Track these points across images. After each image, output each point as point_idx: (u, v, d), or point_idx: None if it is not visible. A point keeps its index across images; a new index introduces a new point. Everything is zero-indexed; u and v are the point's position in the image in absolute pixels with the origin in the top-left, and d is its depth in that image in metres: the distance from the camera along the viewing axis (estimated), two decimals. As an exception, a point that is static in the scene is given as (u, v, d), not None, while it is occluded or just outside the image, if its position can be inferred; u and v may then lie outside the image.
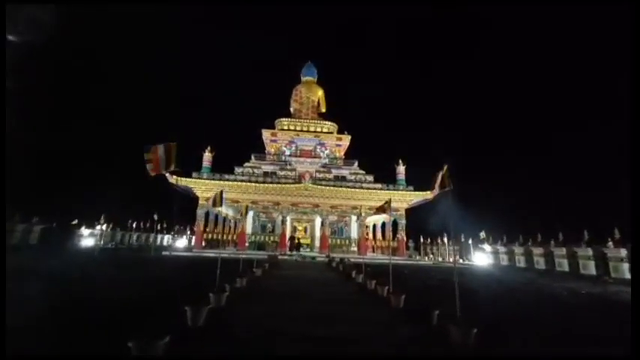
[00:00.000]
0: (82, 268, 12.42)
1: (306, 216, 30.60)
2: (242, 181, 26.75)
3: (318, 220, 29.75)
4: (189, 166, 26.96)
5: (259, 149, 34.11)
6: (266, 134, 34.00)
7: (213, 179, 26.46)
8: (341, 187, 27.54)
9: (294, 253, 23.61)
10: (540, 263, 23.53)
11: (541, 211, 41.17)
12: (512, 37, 67.87)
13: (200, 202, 26.15)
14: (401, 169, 29.15)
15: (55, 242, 23.75)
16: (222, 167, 28.39)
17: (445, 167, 5.22)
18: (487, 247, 29.98)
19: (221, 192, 8.09)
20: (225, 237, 29.32)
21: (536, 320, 6.44)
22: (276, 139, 33.90)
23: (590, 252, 19.60)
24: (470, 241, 30.94)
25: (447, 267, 22.92)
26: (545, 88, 64.01)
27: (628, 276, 16.73)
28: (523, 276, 18.03)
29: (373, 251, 30.49)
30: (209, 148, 27.52)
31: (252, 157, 32.07)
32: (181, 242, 36.69)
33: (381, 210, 9.76)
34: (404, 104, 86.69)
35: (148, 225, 32.08)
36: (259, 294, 8.17)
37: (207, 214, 27.14)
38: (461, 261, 30.61)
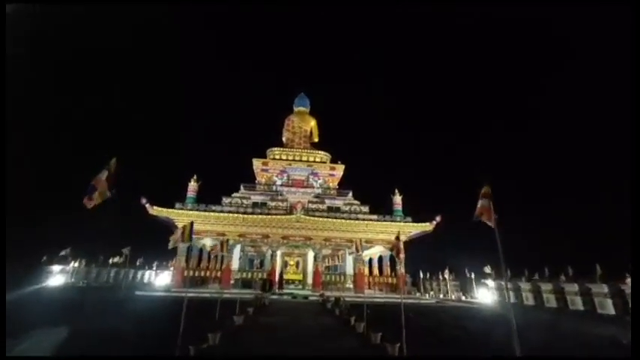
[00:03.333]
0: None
1: (297, 250, 28.55)
2: (229, 212, 24.97)
3: (310, 255, 27.71)
4: (174, 197, 25.24)
5: (249, 180, 32.72)
6: (257, 163, 32.84)
7: (198, 210, 24.63)
8: (335, 218, 25.95)
9: (276, 291, 21.34)
10: (551, 301, 21.71)
11: (546, 243, 39.62)
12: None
13: (183, 235, 24.05)
14: (397, 199, 27.89)
15: (15, 282, 21.28)
16: (210, 198, 26.74)
17: (485, 189, 3.87)
18: (491, 282, 28.09)
19: (191, 224, 6.62)
20: (209, 274, 26.81)
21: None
22: (268, 168, 32.70)
23: (605, 289, 18.04)
24: (472, 276, 29.06)
25: (453, 306, 20.95)
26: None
27: (653, 316, 15.20)
28: (541, 318, 16.20)
29: (370, 288, 28.22)
30: (194, 177, 26.02)
31: (242, 188, 30.54)
32: (163, 279, 33.72)
33: (394, 245, 8.34)
34: (398, 132, 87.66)
35: (123, 260, 29.58)
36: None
37: (189, 249, 24.92)
38: (463, 298, 28.50)
